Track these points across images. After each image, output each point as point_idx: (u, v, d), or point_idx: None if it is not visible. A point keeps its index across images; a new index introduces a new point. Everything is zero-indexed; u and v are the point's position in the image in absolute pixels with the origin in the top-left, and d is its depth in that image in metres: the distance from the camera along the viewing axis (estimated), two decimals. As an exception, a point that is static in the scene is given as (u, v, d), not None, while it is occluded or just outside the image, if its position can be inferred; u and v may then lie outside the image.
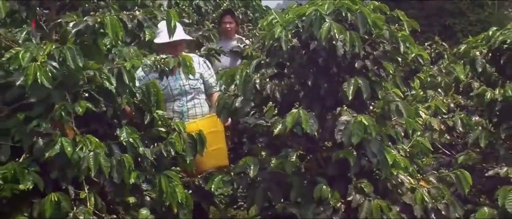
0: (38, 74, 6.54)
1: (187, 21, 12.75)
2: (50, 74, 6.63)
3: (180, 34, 7.67)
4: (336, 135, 6.43)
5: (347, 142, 6.36)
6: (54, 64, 6.72)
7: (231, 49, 10.99)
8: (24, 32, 7.32)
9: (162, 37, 7.48)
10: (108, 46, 7.54)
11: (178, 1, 13.05)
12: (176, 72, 7.71)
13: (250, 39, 11.21)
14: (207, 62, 8.44)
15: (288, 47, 6.64)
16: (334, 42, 6.45)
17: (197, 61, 8.09)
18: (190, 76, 7.58)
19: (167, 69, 7.04)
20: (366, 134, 6.34)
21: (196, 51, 10.51)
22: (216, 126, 7.76)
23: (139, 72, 7.61)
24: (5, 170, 6.54)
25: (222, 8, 14.86)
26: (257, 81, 6.83)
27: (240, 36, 11.58)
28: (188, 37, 8.17)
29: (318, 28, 6.48)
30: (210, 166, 7.69)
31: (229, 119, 7.68)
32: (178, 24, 7.02)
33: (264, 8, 16.25)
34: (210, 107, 8.32)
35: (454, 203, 7.01)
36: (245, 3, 15.45)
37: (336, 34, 6.42)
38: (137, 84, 7.07)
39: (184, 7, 12.53)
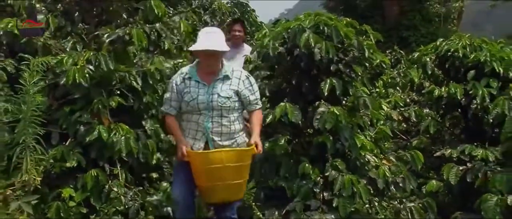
0: (76, 75, 6.66)
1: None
2: (87, 75, 6.72)
3: (215, 43, 5.76)
4: (313, 122, 6.49)
5: (322, 128, 6.42)
6: (91, 67, 6.81)
7: (238, 55, 9.51)
8: (70, 42, 7.35)
9: (197, 44, 5.82)
10: (136, 53, 7.57)
11: (188, 16, 12.75)
12: (210, 85, 5.83)
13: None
14: (251, 78, 6.07)
15: (275, 53, 6.70)
16: (312, 50, 6.51)
17: (238, 77, 5.95)
18: (222, 93, 5.80)
19: (189, 77, 5.88)
20: (337, 121, 6.41)
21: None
22: (243, 159, 5.77)
23: (176, 77, 6.04)
24: (55, 151, 6.64)
25: (225, 23, 14.80)
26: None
27: (247, 44, 10.15)
28: (221, 48, 5.79)
29: (299, 38, 6.55)
30: (223, 197, 5.88)
31: (261, 147, 5.83)
32: (217, 34, 5.86)
33: (259, 23, 16.27)
34: (244, 126, 6.08)
35: (409, 177, 7.06)
36: (243, 18, 15.37)
37: (313, 43, 6.48)
38: (173, 86, 5.96)
39: (194, 22, 12.45)
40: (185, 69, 6.02)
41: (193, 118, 5.86)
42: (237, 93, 5.88)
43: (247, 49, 9.61)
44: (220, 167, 5.62)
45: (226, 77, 5.87)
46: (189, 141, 5.84)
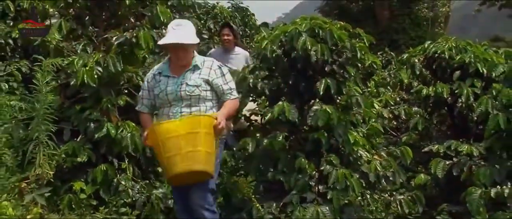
0: (85, 76, 6.64)
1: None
2: (95, 76, 6.71)
3: (181, 37, 5.43)
4: (307, 119, 6.49)
5: (315, 125, 6.41)
6: (99, 68, 6.80)
7: (231, 58, 9.33)
8: (81, 44, 7.33)
9: (164, 39, 5.53)
10: (143, 55, 7.58)
11: (193, 22, 12.53)
12: (180, 76, 5.51)
13: (248, 50, 10.72)
14: (223, 67, 5.71)
15: (273, 55, 6.69)
16: (308, 52, 6.50)
17: (209, 66, 5.58)
18: (190, 82, 5.46)
19: (159, 72, 5.63)
20: (329, 119, 6.40)
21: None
22: (198, 126, 5.19)
23: (148, 75, 5.78)
24: (67, 147, 6.65)
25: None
26: (251, 80, 6.88)
27: (240, 48, 9.81)
28: (187, 41, 5.45)
29: (296, 41, 6.54)
30: (182, 168, 5.18)
31: (224, 120, 5.36)
32: (185, 26, 5.54)
33: (258, 26, 16.22)
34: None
35: (399, 171, 7.06)
36: (243, 22, 15.34)
37: (310, 46, 6.47)
38: (144, 84, 5.74)
39: (199, 27, 12.37)
40: (157, 66, 5.79)
41: (165, 111, 5.57)
42: (207, 82, 5.52)
43: (239, 51, 9.45)
44: (175, 136, 5.13)
45: (196, 67, 5.56)
46: None
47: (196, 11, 13.03)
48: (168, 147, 5.15)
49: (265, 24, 14.38)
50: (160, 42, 5.54)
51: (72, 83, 6.82)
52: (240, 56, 9.03)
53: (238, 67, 8.23)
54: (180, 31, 5.45)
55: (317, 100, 6.55)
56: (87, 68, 6.74)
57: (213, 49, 10.43)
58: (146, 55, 7.71)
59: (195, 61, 5.58)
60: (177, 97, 5.45)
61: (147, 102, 5.71)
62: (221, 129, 5.30)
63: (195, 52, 5.68)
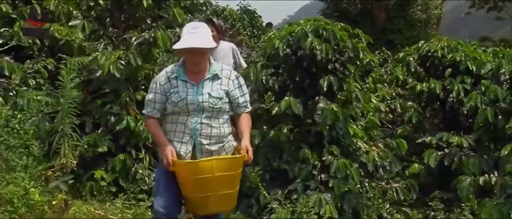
0: (111, 67, 6.63)
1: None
2: (120, 68, 6.71)
3: (200, 41, 4.58)
4: (315, 117, 6.47)
5: (323, 122, 6.40)
6: (122, 62, 6.80)
7: (216, 55, 7.41)
8: (102, 44, 7.34)
9: (180, 43, 4.61)
10: (159, 53, 7.59)
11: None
12: (200, 84, 4.62)
13: (255, 50, 10.29)
14: (240, 78, 4.86)
15: (284, 53, 6.67)
16: (314, 51, 6.48)
17: (227, 76, 4.76)
18: (213, 93, 4.61)
19: (175, 76, 4.65)
20: (336, 116, 6.39)
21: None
22: (234, 168, 4.54)
23: (160, 77, 4.75)
24: (89, 138, 6.65)
25: (236, 27, 14.70)
26: (263, 77, 6.86)
27: (225, 42, 8.11)
28: (206, 46, 4.60)
29: (304, 41, 6.52)
30: (215, 210, 4.69)
31: (251, 153, 4.55)
32: (202, 30, 4.64)
33: (264, 27, 16.20)
34: (232, 129, 4.83)
35: (395, 161, 7.09)
36: (251, 24, 15.33)
37: (317, 46, 6.46)
38: (157, 86, 4.68)
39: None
40: (169, 68, 4.77)
41: (180, 119, 4.62)
42: (227, 93, 4.69)
43: (225, 46, 7.99)
44: (210, 177, 4.38)
45: (216, 76, 4.68)
46: (175, 144, 4.58)
47: (205, 12, 12.98)
48: (202, 187, 4.42)
49: (269, 24, 14.33)
50: (176, 46, 4.61)
51: (97, 74, 6.81)
52: (227, 50, 8.15)
53: (228, 62, 7.72)
54: (197, 35, 4.58)
55: (321, 96, 6.54)
56: (111, 61, 6.75)
57: None
58: (158, 54, 7.70)
59: (214, 70, 4.71)
60: (198, 108, 4.57)
61: (159, 106, 4.68)
62: (250, 160, 4.61)
63: (211, 57, 4.80)
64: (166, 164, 4.47)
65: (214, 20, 8.30)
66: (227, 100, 4.67)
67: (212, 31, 7.71)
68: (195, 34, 4.56)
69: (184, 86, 4.61)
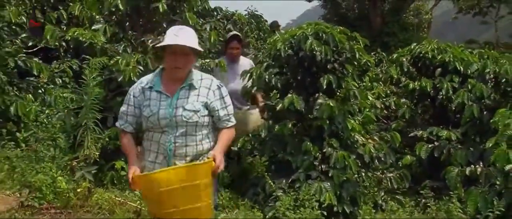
0: (131, 74, 6.63)
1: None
2: (138, 74, 6.71)
3: (185, 39, 3.82)
4: (313, 111, 6.44)
5: (320, 116, 6.36)
6: (140, 67, 6.79)
7: (238, 69, 7.64)
8: (122, 46, 7.35)
9: (164, 41, 3.89)
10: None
11: (216, 25, 12.02)
12: (174, 96, 3.84)
13: (261, 52, 10.08)
14: (223, 88, 3.98)
15: (286, 54, 6.63)
16: (314, 52, 6.44)
17: (208, 86, 3.92)
18: (187, 106, 3.80)
19: (150, 86, 3.93)
20: (332, 111, 6.35)
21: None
22: (197, 177, 3.57)
23: (135, 87, 4.02)
24: (110, 132, 6.65)
25: (244, 30, 14.62)
26: (266, 76, 6.82)
27: (246, 58, 8.26)
28: (192, 45, 3.82)
29: (304, 43, 6.48)
30: None
31: (222, 160, 3.77)
32: (188, 31, 3.92)
33: (269, 29, 16.17)
34: (214, 145, 3.93)
35: (389, 153, 7.05)
36: (258, 27, 15.26)
37: (316, 47, 6.42)
38: (130, 98, 3.99)
39: (220, 29, 12.27)
40: (145, 78, 4.03)
41: (155, 137, 3.88)
42: (206, 105, 3.87)
43: (245, 61, 7.99)
44: (171, 189, 3.52)
45: (191, 86, 3.88)
46: (147, 166, 3.91)
47: (216, 16, 12.90)
48: (163, 202, 3.59)
49: (274, 23, 14.30)
50: (160, 44, 3.93)
51: (119, 79, 6.81)
52: (247, 66, 7.88)
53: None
54: (182, 36, 3.83)
55: (321, 93, 6.51)
56: (130, 67, 6.74)
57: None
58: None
59: (190, 79, 3.91)
60: (171, 123, 3.80)
61: (131, 119, 3.99)
62: (218, 168, 3.76)
63: (192, 67, 4.00)
64: (129, 184, 3.80)
65: (240, 35, 8.01)
66: (205, 113, 3.87)
67: (237, 48, 7.78)
68: (180, 36, 3.83)
69: (157, 99, 3.88)
